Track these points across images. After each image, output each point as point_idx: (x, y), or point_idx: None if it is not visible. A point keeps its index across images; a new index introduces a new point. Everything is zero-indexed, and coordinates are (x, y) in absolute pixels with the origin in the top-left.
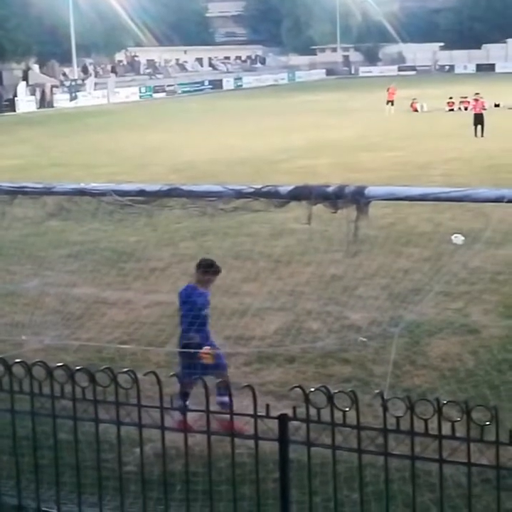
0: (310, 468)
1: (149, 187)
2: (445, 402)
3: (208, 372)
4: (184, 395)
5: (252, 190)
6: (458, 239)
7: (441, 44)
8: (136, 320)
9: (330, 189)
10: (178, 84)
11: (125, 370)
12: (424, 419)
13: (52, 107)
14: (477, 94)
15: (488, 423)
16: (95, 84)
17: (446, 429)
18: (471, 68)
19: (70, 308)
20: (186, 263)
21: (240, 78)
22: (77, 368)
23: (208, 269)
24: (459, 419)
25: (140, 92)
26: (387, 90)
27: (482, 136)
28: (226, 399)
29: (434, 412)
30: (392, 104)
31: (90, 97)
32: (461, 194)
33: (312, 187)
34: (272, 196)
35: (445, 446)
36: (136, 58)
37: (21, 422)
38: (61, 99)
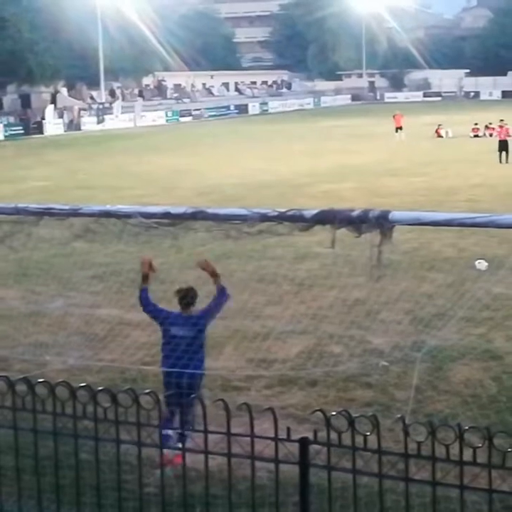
0: (330, 492)
1: (175, 209)
2: (467, 427)
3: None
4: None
5: (277, 213)
6: (482, 264)
7: (467, 70)
8: (159, 342)
9: (354, 213)
10: (205, 109)
11: (147, 391)
12: (446, 444)
13: (80, 129)
14: (502, 120)
15: (510, 450)
16: (122, 107)
17: (467, 455)
18: (497, 95)
19: (93, 329)
20: (210, 286)
21: (266, 103)
22: (100, 388)
23: None
24: (480, 445)
25: (166, 116)
26: (393, 117)
27: (507, 162)
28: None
29: (455, 437)
30: (401, 130)
31: (117, 121)
32: (486, 220)
33: (336, 211)
34: (296, 220)
35: (466, 473)
36: (163, 82)
37: (43, 441)
38: (88, 122)
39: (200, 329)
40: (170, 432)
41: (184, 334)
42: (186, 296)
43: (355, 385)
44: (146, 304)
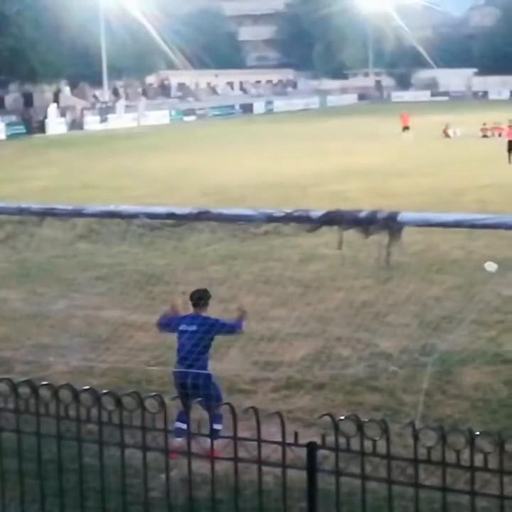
0: (338, 497)
1: (179, 210)
2: (477, 432)
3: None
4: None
5: (283, 214)
6: (491, 267)
7: (475, 70)
8: (163, 343)
9: (362, 214)
10: (209, 108)
11: (152, 394)
12: (456, 450)
13: (83, 129)
14: (511, 120)
15: None
16: (126, 106)
17: (478, 460)
18: (505, 94)
19: (97, 330)
20: (215, 287)
21: (271, 102)
22: (104, 391)
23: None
24: (491, 450)
25: (170, 115)
26: (400, 117)
27: None
28: (219, 426)
29: (466, 442)
30: (409, 130)
31: (121, 120)
32: (496, 221)
33: (344, 212)
34: (302, 221)
35: (477, 478)
36: (166, 81)
37: (47, 445)
38: (91, 122)
39: (207, 329)
40: (183, 425)
41: (192, 329)
42: (200, 298)
43: (363, 389)
44: (163, 325)
